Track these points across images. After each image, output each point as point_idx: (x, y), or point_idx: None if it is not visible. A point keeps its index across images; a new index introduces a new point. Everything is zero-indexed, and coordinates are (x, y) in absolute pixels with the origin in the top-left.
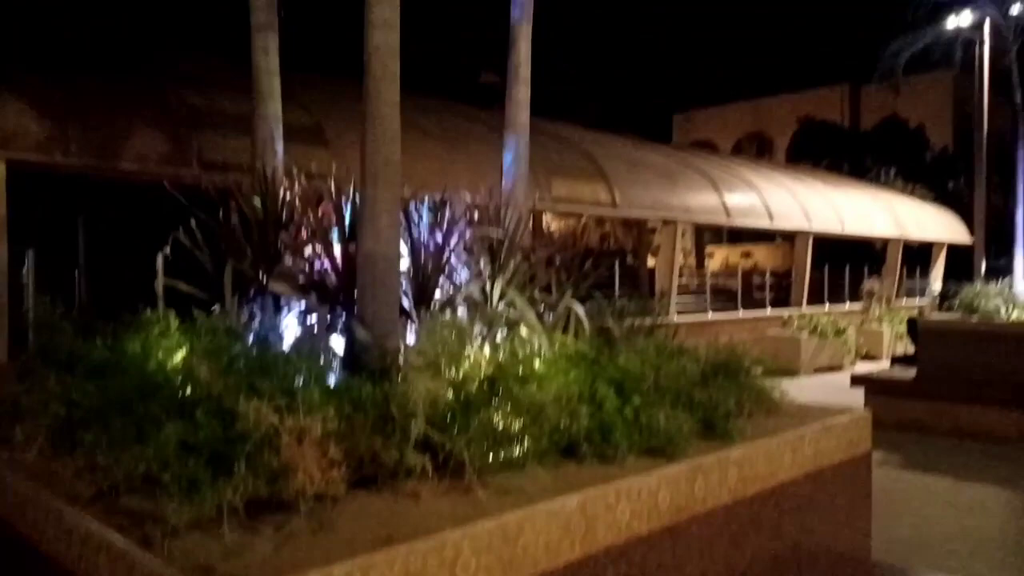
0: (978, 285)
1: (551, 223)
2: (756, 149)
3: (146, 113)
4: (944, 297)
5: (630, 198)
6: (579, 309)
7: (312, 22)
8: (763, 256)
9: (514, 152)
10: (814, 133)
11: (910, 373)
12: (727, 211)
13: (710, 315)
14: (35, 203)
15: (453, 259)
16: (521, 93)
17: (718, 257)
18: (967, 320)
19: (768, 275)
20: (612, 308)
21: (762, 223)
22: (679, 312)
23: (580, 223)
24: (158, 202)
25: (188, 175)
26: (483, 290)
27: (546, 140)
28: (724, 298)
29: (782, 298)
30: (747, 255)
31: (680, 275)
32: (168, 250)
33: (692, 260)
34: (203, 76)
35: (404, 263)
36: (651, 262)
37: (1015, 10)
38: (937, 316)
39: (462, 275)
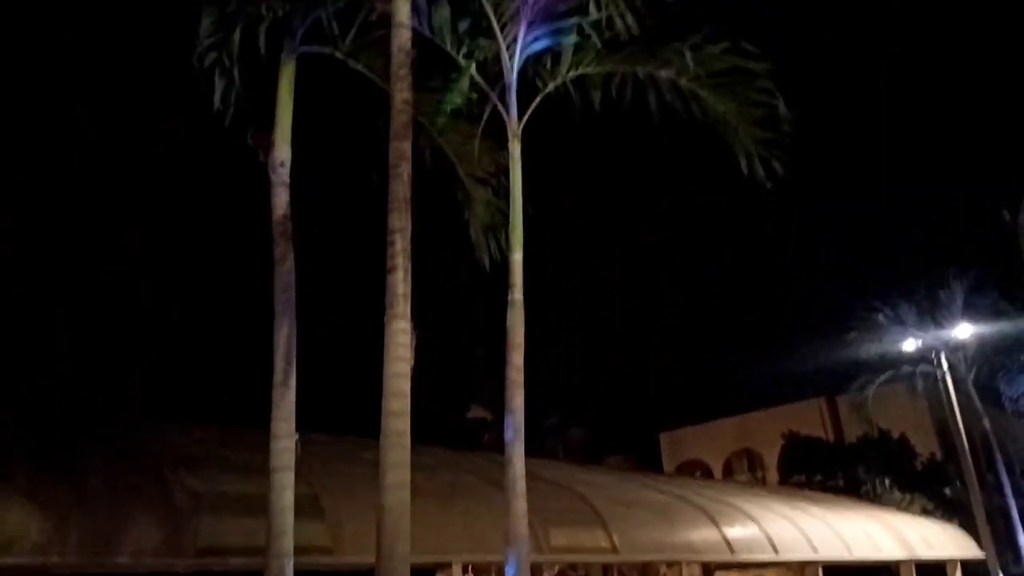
0: None
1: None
2: (747, 466)
3: (146, 502)
4: None
5: (630, 542)
6: None
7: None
8: None
9: (516, 566)
10: (801, 448)
11: None
12: (730, 547)
13: None
14: None
15: None
16: (518, 506)
17: None
18: None
19: None
20: None
21: (767, 556)
22: None
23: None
24: None
25: (182, 565)
26: None
27: (539, 485)
28: None
29: None
30: None
31: None
32: None
33: None
34: (202, 454)
35: None
36: None
37: (963, 333)
38: None
39: None
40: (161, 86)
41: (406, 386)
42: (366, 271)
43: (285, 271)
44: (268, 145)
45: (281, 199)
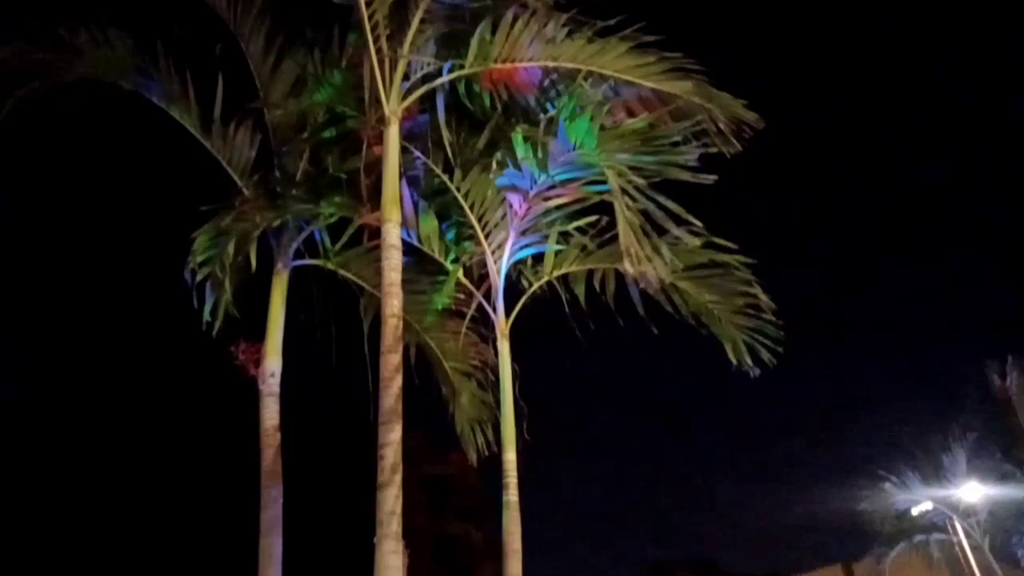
0: None
1: None
2: None
3: None
4: None
5: None
6: None
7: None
8: None
9: None
10: None
11: None
12: None
13: None
14: None
15: None
16: None
17: None
18: None
19: None
20: None
21: None
22: None
23: None
24: None
25: None
26: None
27: None
28: None
29: None
30: None
31: None
32: None
33: None
34: None
35: None
36: None
37: (972, 495)
38: None
39: None
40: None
41: None
42: (356, 480)
43: (273, 485)
44: (258, 358)
45: (270, 410)
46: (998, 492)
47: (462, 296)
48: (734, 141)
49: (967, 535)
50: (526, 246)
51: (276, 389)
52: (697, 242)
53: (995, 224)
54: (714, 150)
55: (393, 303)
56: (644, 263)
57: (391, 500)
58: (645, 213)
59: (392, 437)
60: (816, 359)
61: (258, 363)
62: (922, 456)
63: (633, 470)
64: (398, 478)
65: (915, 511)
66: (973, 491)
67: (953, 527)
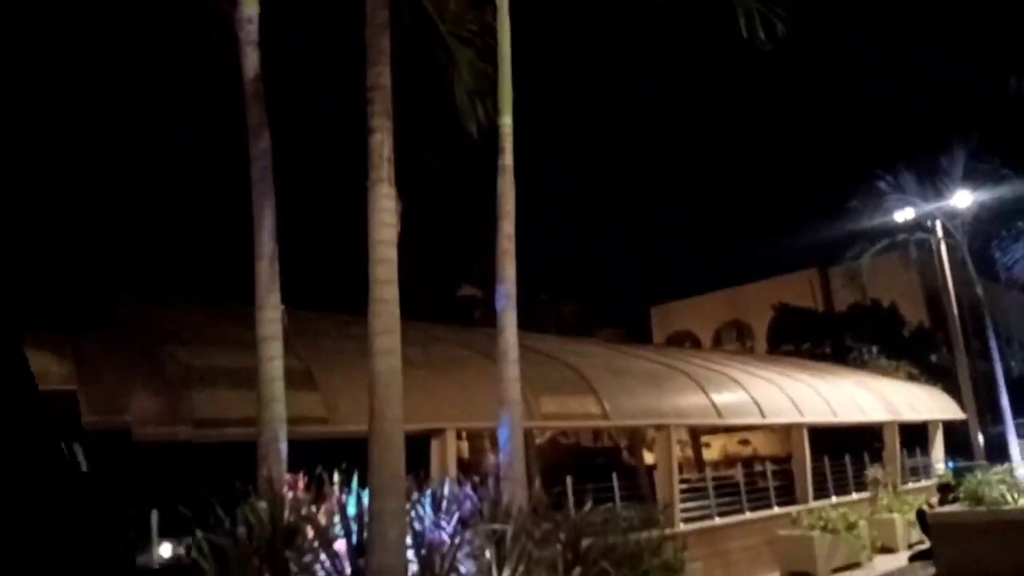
0: (979, 473)
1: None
2: (736, 336)
3: (142, 374)
4: (948, 488)
5: (620, 408)
6: None
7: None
8: (761, 443)
9: (508, 428)
10: (791, 318)
11: (930, 571)
12: (718, 411)
13: (716, 520)
14: None
15: (459, 555)
16: (510, 371)
17: (715, 447)
18: (975, 511)
19: (769, 464)
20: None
21: (754, 420)
22: (684, 520)
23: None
24: (153, 459)
25: (183, 433)
26: None
27: (530, 355)
28: (727, 493)
29: (787, 487)
30: (745, 443)
31: (680, 471)
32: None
33: (690, 452)
34: (191, 330)
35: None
36: (648, 456)
37: (961, 201)
38: (945, 509)
39: (469, 568)
40: None
41: (392, 253)
42: (347, 138)
43: (260, 136)
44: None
45: (251, 60)
46: (989, 195)
47: None
48: None
49: (948, 234)
50: None
51: (255, 36)
52: None
53: None
54: None
55: None
56: None
57: (382, 145)
58: None
59: (381, 80)
60: (819, 43)
61: (233, 6)
62: (920, 157)
63: (624, 161)
64: (388, 124)
65: (901, 216)
66: (963, 198)
67: (935, 226)
